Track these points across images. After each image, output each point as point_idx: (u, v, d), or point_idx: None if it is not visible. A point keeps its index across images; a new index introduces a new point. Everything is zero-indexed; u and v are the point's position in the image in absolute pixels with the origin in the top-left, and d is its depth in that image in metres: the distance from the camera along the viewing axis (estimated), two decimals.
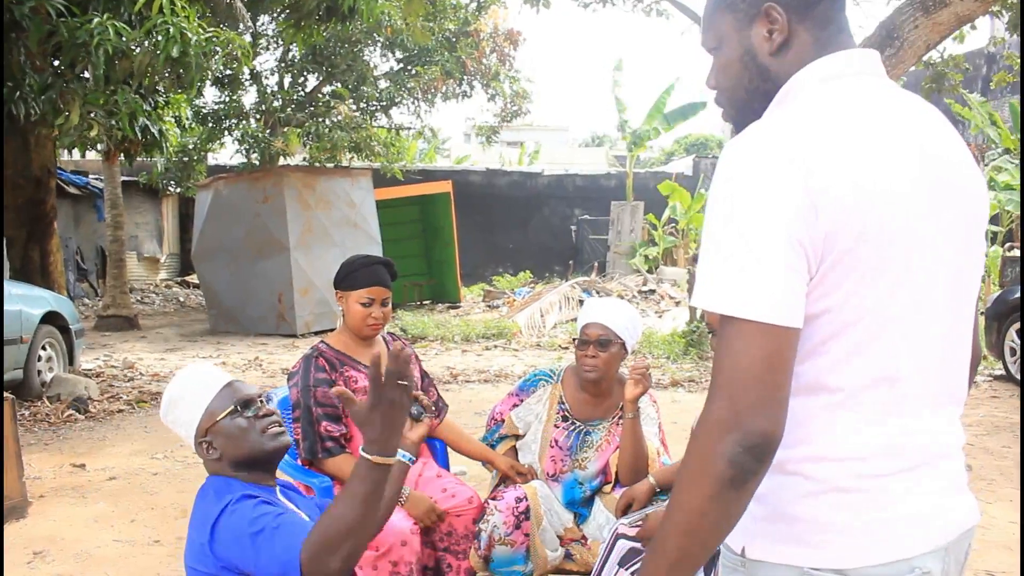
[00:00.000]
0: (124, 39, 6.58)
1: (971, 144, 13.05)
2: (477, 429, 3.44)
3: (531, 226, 22.42)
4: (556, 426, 3.25)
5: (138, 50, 6.86)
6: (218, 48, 7.00)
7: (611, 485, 3.25)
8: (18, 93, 7.13)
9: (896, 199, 1.20)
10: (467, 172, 23.29)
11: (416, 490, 3.05)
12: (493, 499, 3.12)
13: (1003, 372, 8.98)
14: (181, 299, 18.56)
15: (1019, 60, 8.91)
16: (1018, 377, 8.63)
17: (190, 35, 6.74)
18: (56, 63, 7.15)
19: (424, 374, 3.35)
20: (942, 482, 1.30)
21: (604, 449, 3.21)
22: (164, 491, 5.02)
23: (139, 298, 17.83)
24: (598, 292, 14.46)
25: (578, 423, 3.25)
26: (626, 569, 2.55)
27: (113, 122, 7.24)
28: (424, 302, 16.92)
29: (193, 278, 18.78)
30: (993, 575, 3.93)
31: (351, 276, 3.10)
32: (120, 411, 7.15)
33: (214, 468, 2.06)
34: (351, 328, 3.13)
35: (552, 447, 3.24)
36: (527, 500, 3.05)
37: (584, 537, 3.21)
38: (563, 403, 3.26)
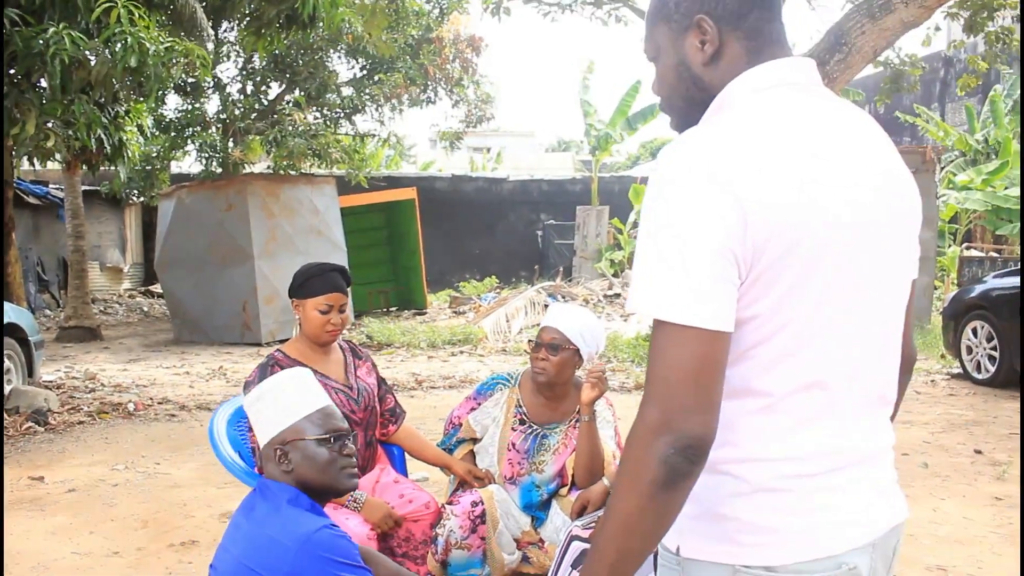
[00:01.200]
0: (81, 48, 6.52)
1: (927, 147, 13.27)
2: (441, 435, 3.47)
3: (497, 231, 22.45)
4: (513, 429, 3.28)
5: (95, 60, 6.80)
6: (177, 58, 6.94)
7: (567, 488, 3.29)
8: None
9: (826, 210, 1.23)
10: (432, 178, 23.29)
11: (373, 496, 3.07)
12: (450, 504, 3.15)
13: (960, 371, 9.15)
14: (145, 309, 18.36)
15: (1020, 59, 9.09)
16: (976, 375, 8.80)
17: (148, 45, 6.69)
18: (11, 72, 7.06)
19: (381, 381, 3.37)
20: (869, 482, 1.34)
21: (561, 452, 3.26)
22: (124, 502, 4.98)
23: (102, 308, 17.62)
24: (563, 297, 14.52)
25: (535, 426, 3.29)
26: (577, 569, 2.59)
27: (71, 132, 7.16)
28: (390, 309, 16.88)
29: (157, 288, 18.59)
30: (945, 570, 4.01)
31: (307, 284, 3.12)
32: (81, 423, 7.08)
33: (276, 476, 2.07)
34: (309, 335, 3.15)
35: (510, 450, 3.28)
36: (483, 504, 3.09)
37: (541, 540, 3.25)
38: (520, 407, 3.30)
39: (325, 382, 3.10)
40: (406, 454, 3.46)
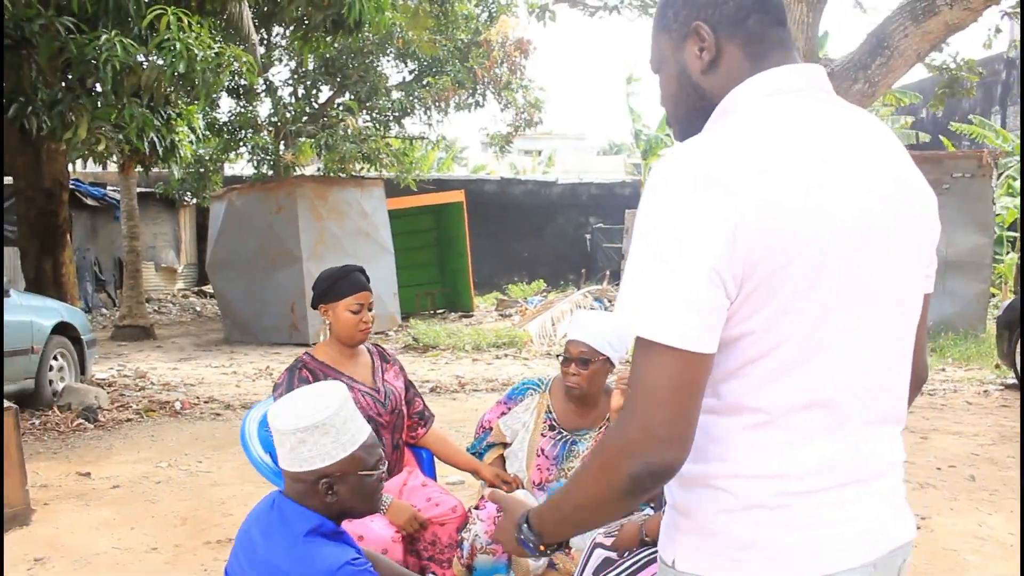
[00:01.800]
0: (132, 55, 6.69)
1: (984, 151, 12.94)
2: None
3: (546, 234, 22.47)
4: (543, 435, 3.28)
5: (146, 66, 6.97)
6: (225, 64, 7.08)
7: None
8: (30, 108, 7.25)
9: (831, 216, 1.20)
10: (482, 181, 23.38)
11: (400, 499, 3.09)
12: (477, 508, 3.15)
13: (1015, 381, 8.90)
14: (198, 309, 18.73)
15: (1020, 59, 8.85)
16: None
17: (197, 51, 6.83)
18: (67, 79, 7.27)
19: (409, 384, 3.39)
20: (872, 499, 1.31)
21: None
22: (165, 499, 5.08)
23: (156, 308, 18.01)
24: (610, 300, 14.46)
25: (565, 433, 3.28)
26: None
27: (121, 136, 7.34)
28: (437, 311, 16.99)
29: (209, 288, 18.96)
30: None
31: (335, 287, 3.15)
32: (129, 420, 7.25)
33: (310, 504, 1.99)
34: (343, 337, 3.18)
35: (539, 456, 3.27)
36: None
37: (568, 547, 3.23)
38: (550, 412, 3.29)
39: (352, 385, 3.13)
40: (435, 458, 3.48)
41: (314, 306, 3.22)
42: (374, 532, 2.89)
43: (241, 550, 2.05)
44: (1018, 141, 19.39)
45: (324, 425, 1.97)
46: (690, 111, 1.39)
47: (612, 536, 2.77)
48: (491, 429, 3.38)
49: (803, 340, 1.21)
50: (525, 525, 1.42)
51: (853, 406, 1.27)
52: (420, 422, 3.39)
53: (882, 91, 4.32)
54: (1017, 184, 18.05)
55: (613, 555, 2.66)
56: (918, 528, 4.62)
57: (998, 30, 9.25)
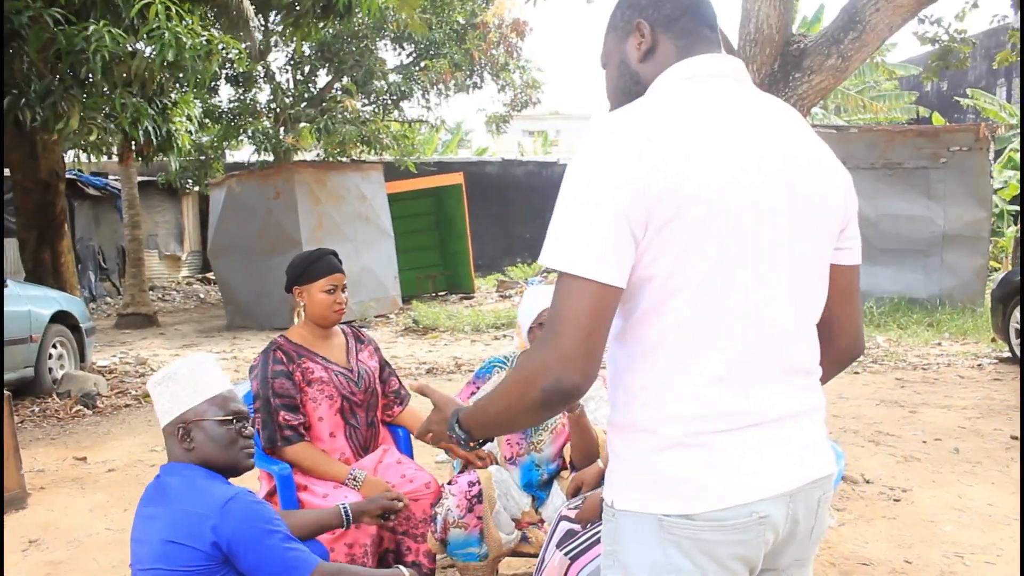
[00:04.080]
0: (120, 45, 6.74)
1: (981, 124, 12.89)
2: None
3: (547, 216, 22.07)
4: None
5: (136, 55, 7.02)
6: (213, 51, 7.12)
7: (568, 470, 3.34)
8: (23, 100, 7.32)
9: (721, 184, 1.36)
10: (483, 163, 23.37)
11: (375, 475, 3.17)
12: (449, 484, 3.23)
13: (1009, 354, 8.93)
14: (201, 296, 18.85)
15: (1020, 57, 8.82)
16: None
17: (186, 39, 6.88)
18: (58, 70, 7.32)
19: (384, 364, 3.46)
20: (783, 439, 1.46)
21: (560, 431, 3.31)
22: None
23: (160, 296, 18.14)
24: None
25: None
26: (561, 549, 2.64)
27: (113, 126, 7.40)
28: (438, 293, 17.06)
29: (213, 275, 19.07)
30: (961, 556, 3.96)
31: (310, 270, 3.22)
32: (127, 406, 7.35)
33: (179, 456, 2.13)
34: (318, 318, 3.24)
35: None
36: (479, 484, 3.15)
37: (542, 520, 3.30)
38: None
39: (327, 365, 3.20)
40: (411, 436, 3.55)
41: (288, 289, 3.28)
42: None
43: (137, 531, 2.11)
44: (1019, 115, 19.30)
45: (175, 375, 2.16)
46: (626, 95, 1.59)
47: (577, 508, 2.84)
48: None
49: (703, 286, 1.38)
50: (456, 424, 1.60)
51: (759, 353, 1.43)
52: (396, 400, 3.46)
53: (855, 66, 4.34)
54: (1020, 157, 17.98)
55: (576, 527, 2.73)
56: (897, 501, 4.68)
57: (975, 4, 9.20)
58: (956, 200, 12.41)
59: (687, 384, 1.40)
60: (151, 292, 15.86)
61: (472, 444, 1.63)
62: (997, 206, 17.13)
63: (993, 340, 9.70)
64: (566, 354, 1.33)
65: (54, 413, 6.95)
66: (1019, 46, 8.66)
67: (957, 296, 12.34)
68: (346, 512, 2.66)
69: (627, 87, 1.59)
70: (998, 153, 17.67)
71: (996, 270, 15.32)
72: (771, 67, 4.44)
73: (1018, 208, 18.77)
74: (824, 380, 1.61)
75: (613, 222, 1.32)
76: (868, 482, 5.00)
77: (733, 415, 1.41)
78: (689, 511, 1.39)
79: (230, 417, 2.16)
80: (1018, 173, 17.76)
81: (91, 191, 18.04)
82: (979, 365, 8.88)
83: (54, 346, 7.68)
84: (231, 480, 2.19)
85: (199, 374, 2.18)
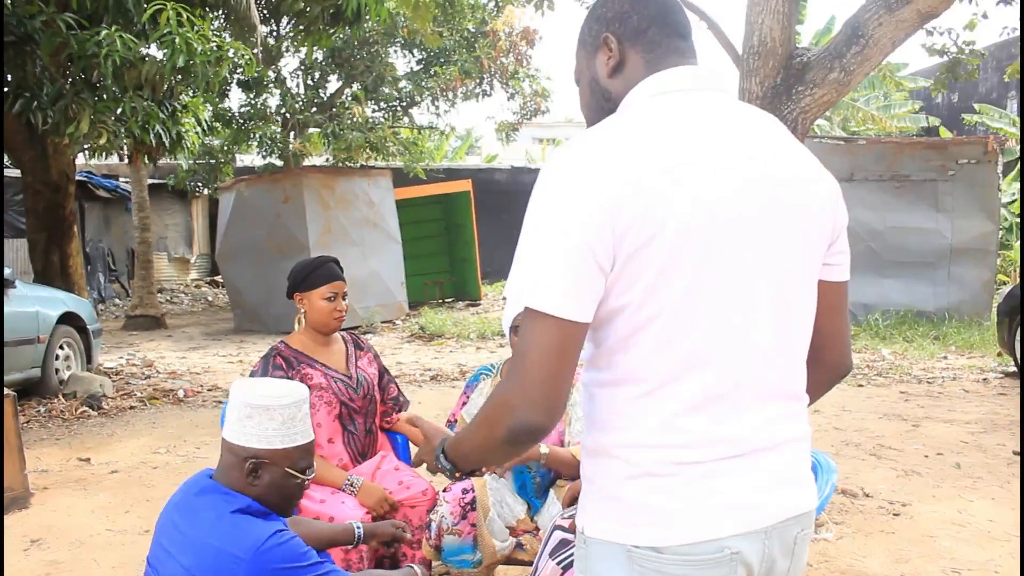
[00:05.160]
0: (132, 50, 6.80)
1: (989, 137, 12.87)
2: None
3: None
4: None
5: (146, 60, 7.09)
6: (223, 57, 7.18)
7: (565, 478, 3.35)
8: (35, 103, 7.39)
9: (693, 206, 1.30)
10: (492, 170, 23.41)
11: (372, 482, 3.19)
12: (444, 491, 3.25)
13: (1015, 369, 8.90)
14: (210, 299, 18.93)
15: (1020, 56, 8.81)
16: None
17: (196, 45, 6.94)
18: (69, 74, 7.40)
19: (384, 371, 3.48)
20: (762, 471, 1.39)
21: (549, 435, 3.32)
22: (161, 484, 5.22)
23: (168, 298, 18.22)
24: None
25: None
26: (553, 559, 2.66)
27: (123, 129, 7.47)
28: (445, 300, 17.09)
29: (221, 278, 19.15)
30: (959, 572, 3.96)
31: (311, 277, 3.25)
32: (132, 408, 7.40)
33: (233, 480, 2.05)
34: (318, 325, 3.27)
35: None
36: (473, 492, 3.18)
37: (537, 528, 3.32)
38: None
39: (326, 372, 3.23)
40: (409, 443, 3.57)
41: (289, 295, 3.31)
42: (345, 513, 2.99)
43: (163, 535, 2.06)
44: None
45: (273, 410, 2.05)
46: (599, 112, 1.54)
47: (571, 518, 2.86)
48: (456, 422, 3.47)
49: (677, 313, 1.32)
50: (442, 455, 1.59)
51: (738, 381, 1.37)
52: (395, 407, 3.48)
53: (858, 80, 4.35)
54: None
55: (570, 536, 2.75)
56: (896, 515, 4.68)
57: (984, 15, 9.18)
58: (964, 213, 12.38)
59: (661, 412, 1.34)
60: (160, 294, 15.95)
61: (458, 475, 1.60)
62: (1006, 219, 17.08)
63: (999, 354, 9.67)
64: (531, 394, 1.31)
65: (59, 414, 7.00)
66: (1020, 49, 8.64)
67: (964, 309, 12.29)
68: (359, 531, 2.66)
69: (599, 104, 1.54)
70: (1008, 166, 17.61)
71: (1004, 283, 15.27)
72: (774, 80, 4.46)
73: None
74: (811, 400, 1.55)
75: (579, 255, 1.28)
76: (868, 496, 5.00)
77: (709, 445, 1.35)
78: (657, 543, 1.34)
79: (303, 475, 2.10)
80: None
81: (102, 193, 18.15)
82: (984, 379, 8.86)
83: (61, 347, 7.73)
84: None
85: (296, 420, 2.08)
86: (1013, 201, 17.71)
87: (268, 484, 2.05)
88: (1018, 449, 6.00)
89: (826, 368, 1.59)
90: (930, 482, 5.31)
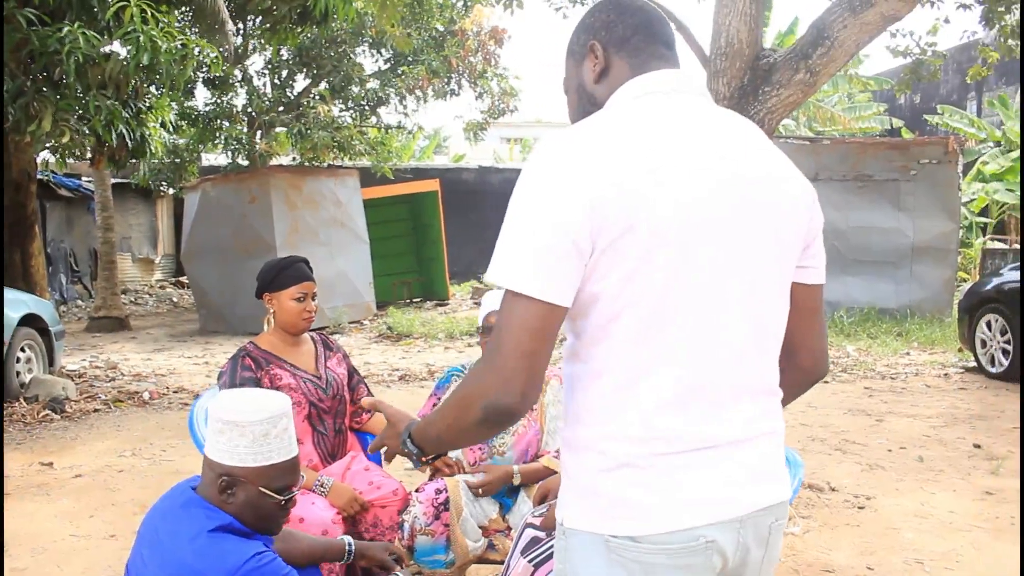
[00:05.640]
0: (95, 47, 6.70)
1: (950, 138, 13.09)
2: None
3: None
4: None
5: (110, 58, 6.99)
6: (188, 55, 7.10)
7: None
8: None
9: (670, 201, 1.34)
10: (459, 170, 23.38)
11: (343, 482, 3.18)
12: (417, 491, 3.25)
13: (974, 364, 9.07)
14: (174, 299, 18.72)
15: (1020, 56, 8.97)
16: (989, 369, 8.72)
17: (161, 43, 6.85)
18: (31, 71, 7.27)
19: (353, 371, 3.47)
20: (736, 463, 1.43)
21: (521, 434, 3.33)
22: (126, 488, 5.15)
23: (132, 299, 17.99)
24: None
25: None
26: (525, 557, 2.67)
27: (86, 128, 7.36)
28: (413, 300, 17.05)
29: (187, 279, 18.94)
30: (921, 562, 4.03)
31: (280, 277, 3.23)
32: (96, 411, 7.29)
33: (211, 497, 2.00)
34: (287, 325, 3.25)
35: None
36: (446, 492, 3.18)
37: (509, 528, 3.33)
38: None
39: (295, 372, 3.22)
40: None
41: (258, 295, 3.29)
42: (315, 514, 2.97)
43: (143, 543, 2.02)
44: (991, 129, 19.59)
45: (244, 427, 1.98)
46: (585, 116, 1.55)
47: (542, 516, 2.87)
48: None
49: (653, 307, 1.36)
50: (408, 439, 1.60)
51: (711, 376, 1.41)
52: (364, 408, 3.47)
53: (823, 81, 4.41)
54: (987, 169, 18.25)
55: (541, 534, 2.76)
56: (862, 508, 4.76)
57: (947, 19, 9.37)
58: (925, 212, 12.58)
59: (636, 405, 1.38)
60: (123, 295, 15.74)
61: (424, 460, 1.62)
62: (966, 218, 17.38)
63: (960, 350, 9.85)
64: (506, 374, 1.33)
65: (21, 418, 6.88)
66: (1020, 49, 8.79)
67: (926, 307, 12.50)
68: (350, 548, 2.63)
69: (585, 109, 1.59)
70: (967, 166, 17.94)
71: (964, 281, 15.54)
72: (741, 80, 4.50)
73: (986, 220, 19.06)
74: (785, 402, 1.58)
75: (559, 240, 1.32)
76: (833, 490, 5.07)
77: (683, 438, 1.38)
78: (634, 533, 1.37)
79: (282, 495, 2.03)
80: (986, 186, 18.03)
81: (64, 192, 17.88)
82: (946, 375, 9.01)
83: (22, 349, 7.59)
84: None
85: (270, 437, 2.00)
86: (972, 200, 18.03)
87: (243, 503, 2.00)
88: (978, 443, 6.12)
89: (801, 371, 1.63)
90: (894, 476, 5.39)
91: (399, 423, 1.78)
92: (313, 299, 3.28)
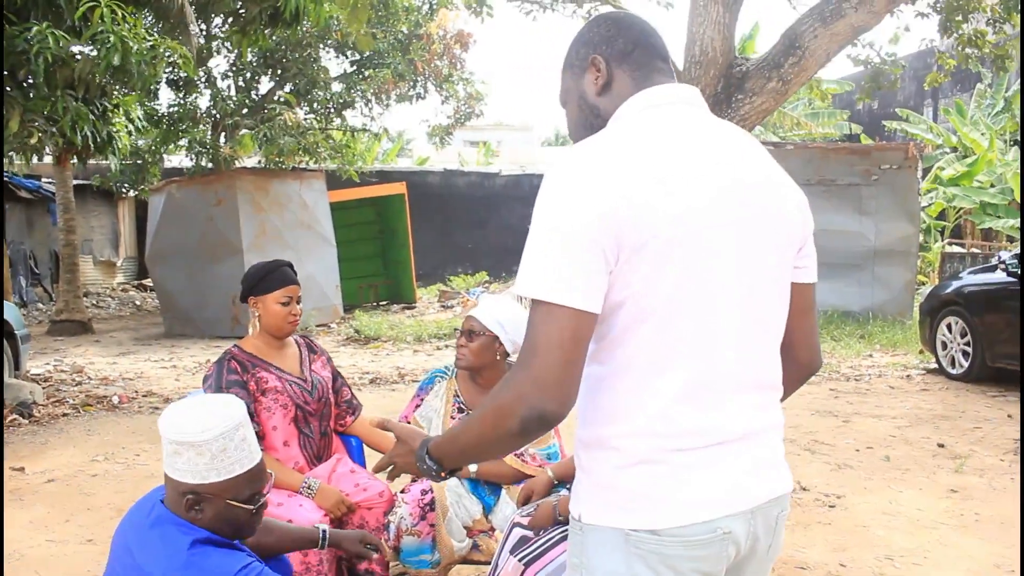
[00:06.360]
0: (64, 47, 6.63)
1: (909, 143, 13.39)
2: None
3: (489, 226, 22.55)
4: (453, 418, 3.40)
5: (79, 58, 6.91)
6: (159, 56, 7.05)
7: None
8: None
9: (681, 207, 1.41)
10: (425, 173, 23.39)
11: (329, 484, 3.20)
12: (402, 492, 3.28)
13: (935, 365, 9.27)
14: (137, 303, 18.48)
15: (1019, 57, 9.19)
16: (950, 371, 8.92)
17: (131, 44, 6.80)
18: None
19: (336, 374, 3.49)
20: (747, 456, 1.51)
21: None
22: (101, 492, 5.11)
23: (94, 302, 17.73)
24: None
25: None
26: (515, 555, 2.71)
27: (54, 129, 7.27)
28: (380, 303, 17.01)
29: (150, 282, 18.70)
30: (892, 559, 4.14)
31: (266, 280, 3.25)
32: (65, 415, 7.21)
33: (180, 515, 1.95)
34: (272, 329, 3.27)
35: None
36: (432, 493, 3.21)
37: (492, 528, 3.37)
38: (458, 396, 3.43)
39: (280, 375, 3.23)
40: (364, 446, 3.59)
41: (243, 299, 3.30)
42: (303, 516, 2.99)
43: (118, 561, 1.97)
44: (947, 135, 20.02)
45: (200, 446, 1.91)
46: (587, 128, 1.65)
47: (529, 516, 2.92)
48: (410, 423, 3.49)
49: (667, 310, 1.43)
50: (426, 455, 1.61)
51: (721, 372, 1.48)
52: (348, 410, 3.50)
53: (794, 89, 4.52)
54: (945, 174, 18.66)
55: (529, 533, 2.80)
56: (832, 507, 4.86)
57: (907, 28, 9.61)
58: (886, 216, 12.84)
59: (652, 403, 1.43)
60: (85, 298, 15.50)
61: (444, 475, 1.62)
62: (925, 222, 17.75)
63: (921, 352, 10.06)
64: (544, 382, 1.36)
65: (2, 420, 6.79)
66: (1019, 50, 9.01)
67: (888, 309, 12.75)
68: (324, 534, 2.63)
69: (588, 121, 1.65)
70: (925, 171, 18.31)
71: (924, 284, 15.87)
72: (715, 88, 4.60)
73: (944, 224, 19.48)
74: (785, 396, 1.67)
75: (586, 249, 1.36)
76: (805, 489, 5.18)
77: (696, 433, 1.45)
78: (654, 526, 1.43)
79: (252, 503, 1.99)
80: (943, 190, 18.43)
81: (23, 193, 17.57)
82: (908, 376, 9.21)
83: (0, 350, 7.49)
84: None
85: (229, 451, 1.93)
86: (930, 205, 18.41)
87: (213, 517, 1.95)
88: (942, 442, 6.28)
89: (799, 365, 1.72)
90: (862, 475, 5.52)
91: (412, 440, 1.79)
92: (298, 303, 3.30)
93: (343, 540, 2.71)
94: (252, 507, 2.00)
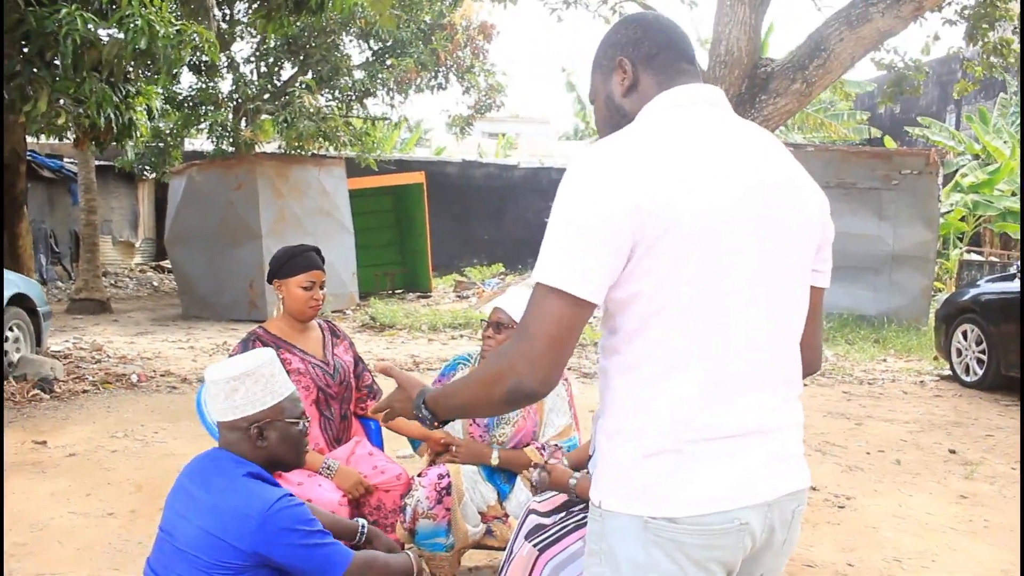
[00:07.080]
0: (92, 29, 6.70)
1: (931, 150, 13.33)
2: None
3: (506, 218, 22.58)
4: None
5: (107, 40, 6.99)
6: (185, 40, 7.12)
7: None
8: None
9: (702, 206, 1.45)
10: (443, 163, 23.42)
11: (348, 466, 3.26)
12: (419, 476, 3.34)
13: (950, 372, 9.27)
14: (155, 284, 18.63)
15: (1020, 56, 9.15)
16: (964, 378, 8.92)
17: (158, 28, 6.86)
18: (25, 51, 7.24)
19: (358, 359, 3.55)
20: (766, 451, 1.55)
21: (520, 425, 3.44)
22: (121, 467, 5.20)
23: (113, 282, 17.89)
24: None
25: None
26: (530, 541, 2.77)
27: (81, 110, 7.36)
28: (396, 291, 17.09)
29: (167, 263, 18.85)
30: (900, 561, 4.17)
31: (290, 263, 3.31)
32: (85, 391, 7.31)
33: (244, 451, 2.21)
34: (294, 312, 3.34)
35: (471, 425, 3.47)
36: (449, 477, 3.27)
37: (506, 514, 3.43)
38: None
39: (304, 357, 3.30)
40: (382, 429, 3.65)
41: (269, 281, 3.37)
42: (322, 495, 3.05)
43: (177, 502, 2.19)
44: (970, 142, 19.92)
45: (254, 374, 2.22)
46: (613, 127, 1.69)
47: (546, 502, 2.97)
48: None
49: (686, 305, 1.47)
50: (423, 404, 1.73)
51: (740, 368, 1.52)
52: (369, 395, 3.56)
53: (818, 91, 4.53)
54: (966, 181, 18.57)
55: (545, 520, 2.86)
56: (842, 508, 4.90)
57: (936, 37, 9.57)
58: (905, 221, 12.80)
59: (672, 395, 1.47)
60: (104, 278, 15.65)
61: (436, 424, 1.74)
62: (943, 229, 17.67)
63: (935, 358, 10.05)
64: (532, 360, 1.44)
65: (10, 397, 6.88)
66: (1019, 51, 8.98)
67: (903, 314, 12.72)
68: (363, 530, 2.71)
69: (614, 120, 1.70)
70: (946, 178, 18.22)
71: (940, 291, 15.81)
72: (739, 88, 4.62)
73: (963, 231, 19.38)
74: None
75: (599, 242, 1.41)
76: (815, 489, 5.21)
77: (716, 426, 1.49)
78: (673, 514, 1.47)
79: (299, 419, 2.28)
80: (963, 197, 18.34)
81: (45, 173, 17.72)
82: (921, 382, 9.21)
83: (10, 329, 7.59)
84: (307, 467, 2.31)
85: (276, 375, 2.26)
86: (950, 212, 18.33)
87: (277, 440, 2.23)
88: (953, 448, 6.30)
89: (802, 364, 1.73)
90: (872, 477, 5.54)
91: (411, 388, 1.88)
92: (321, 288, 3.36)
93: (378, 538, 2.78)
94: (303, 424, 2.28)
